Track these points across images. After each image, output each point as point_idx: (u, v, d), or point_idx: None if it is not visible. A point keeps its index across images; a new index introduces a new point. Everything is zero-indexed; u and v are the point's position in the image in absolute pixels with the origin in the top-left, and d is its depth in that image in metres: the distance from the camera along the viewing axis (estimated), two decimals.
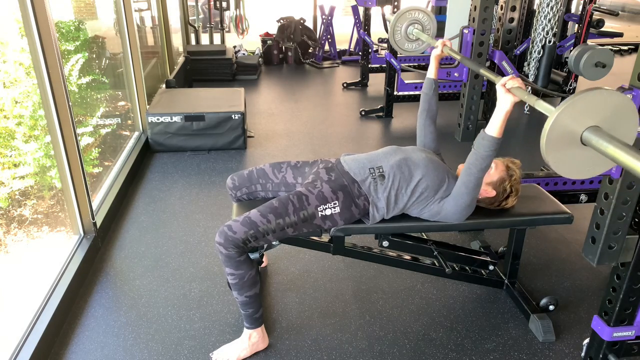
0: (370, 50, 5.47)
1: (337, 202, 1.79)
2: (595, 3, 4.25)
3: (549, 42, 2.74)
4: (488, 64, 2.55)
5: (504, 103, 1.54)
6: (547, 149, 1.24)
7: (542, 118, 4.36)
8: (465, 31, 2.43)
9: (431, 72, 2.07)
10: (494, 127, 1.58)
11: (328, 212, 1.79)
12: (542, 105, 1.37)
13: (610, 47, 5.66)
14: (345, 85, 5.73)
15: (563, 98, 4.84)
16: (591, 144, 1.22)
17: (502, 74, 2.48)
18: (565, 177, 1.31)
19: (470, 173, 1.68)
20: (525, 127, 4.61)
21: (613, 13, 4.82)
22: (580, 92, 1.21)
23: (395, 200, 1.81)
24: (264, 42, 6.82)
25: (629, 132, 1.27)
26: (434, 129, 2.10)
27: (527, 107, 3.60)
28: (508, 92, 1.52)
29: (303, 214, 1.76)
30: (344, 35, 7.36)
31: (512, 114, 4.76)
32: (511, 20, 2.38)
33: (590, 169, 1.32)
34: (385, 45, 5.79)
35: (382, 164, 1.86)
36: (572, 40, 4.71)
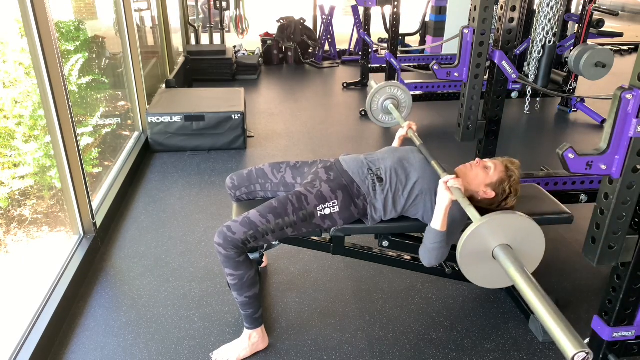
0: (370, 50, 5.47)
1: (336, 201, 1.79)
2: (595, 3, 4.25)
3: (549, 42, 2.74)
4: (488, 63, 2.55)
5: (442, 199, 1.67)
6: (463, 260, 1.44)
7: (542, 118, 4.38)
8: (465, 31, 2.43)
9: (394, 145, 2.19)
10: (437, 221, 1.69)
11: (327, 211, 1.79)
12: (471, 212, 1.53)
13: (610, 47, 5.66)
14: (345, 85, 5.73)
15: (563, 98, 4.85)
16: (498, 259, 1.40)
17: (502, 74, 2.48)
18: (476, 284, 1.56)
19: (427, 257, 1.78)
20: (525, 127, 4.61)
21: (613, 13, 4.82)
22: (499, 213, 1.44)
23: (393, 203, 1.81)
24: (264, 42, 6.82)
25: (536, 251, 1.48)
26: None
27: (527, 107, 3.60)
28: (447, 189, 1.64)
29: (302, 214, 1.76)
30: (344, 35, 7.36)
31: (512, 114, 4.74)
32: (511, 20, 2.37)
33: (499, 279, 1.51)
34: (385, 45, 5.79)
35: (380, 165, 1.86)
36: (572, 40, 4.71)
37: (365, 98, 5.38)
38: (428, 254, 1.75)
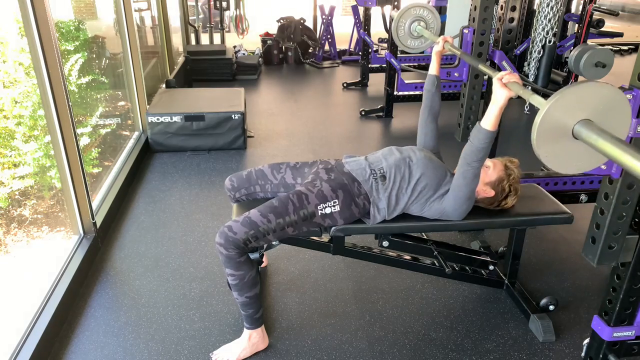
0: (370, 50, 5.47)
1: (337, 200, 1.79)
2: (595, 3, 4.25)
3: (549, 42, 2.74)
4: (488, 63, 2.55)
5: (499, 97, 1.54)
6: (538, 141, 1.23)
7: None
8: (465, 31, 2.43)
9: (433, 69, 2.08)
10: (489, 120, 1.58)
11: (328, 210, 1.79)
12: (535, 100, 1.37)
13: (610, 47, 5.66)
14: (345, 85, 5.73)
15: None
16: (582, 137, 1.20)
17: None
18: (556, 171, 1.31)
19: (467, 163, 1.69)
20: (525, 127, 4.60)
21: (613, 13, 4.82)
22: (572, 84, 1.20)
23: (397, 200, 1.82)
24: (264, 42, 6.81)
25: (622, 126, 1.26)
26: (435, 127, 2.11)
27: (527, 107, 3.59)
28: (504, 86, 1.52)
29: (303, 213, 1.76)
30: (344, 35, 7.36)
31: (512, 114, 4.75)
32: (511, 20, 2.37)
33: (581, 163, 1.30)
34: (385, 45, 5.79)
35: (382, 164, 1.86)
36: (572, 40, 4.71)
37: (365, 98, 5.39)
38: (475, 153, 1.65)
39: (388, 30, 4.94)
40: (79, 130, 2.60)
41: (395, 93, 4.57)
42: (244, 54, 6.67)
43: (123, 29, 3.54)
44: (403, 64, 4.57)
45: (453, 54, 2.00)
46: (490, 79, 2.56)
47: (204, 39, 7.43)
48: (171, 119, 3.64)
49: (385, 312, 2.10)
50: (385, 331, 1.99)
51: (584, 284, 2.29)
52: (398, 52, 4.53)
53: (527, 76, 2.89)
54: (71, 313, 2.05)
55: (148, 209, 2.91)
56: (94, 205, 2.54)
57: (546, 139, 1.23)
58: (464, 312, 2.11)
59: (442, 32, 6.70)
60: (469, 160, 1.68)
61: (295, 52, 6.81)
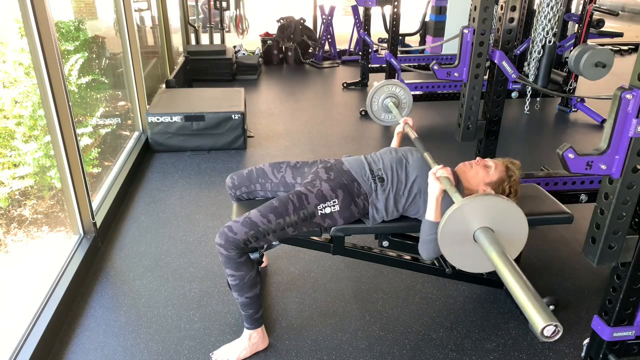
0: (370, 50, 5.47)
1: (336, 200, 1.79)
2: (595, 3, 4.25)
3: (549, 42, 2.74)
4: (488, 63, 2.55)
5: (433, 189, 1.69)
6: (442, 241, 1.43)
7: (542, 118, 4.38)
8: (465, 31, 2.43)
9: (393, 144, 2.24)
10: (430, 211, 1.72)
11: (328, 210, 1.79)
12: (456, 197, 1.53)
13: (610, 47, 5.65)
14: (345, 85, 5.73)
15: (563, 98, 4.85)
16: (478, 242, 1.38)
17: (502, 74, 2.48)
18: (459, 267, 1.54)
19: (423, 251, 1.78)
20: (525, 127, 4.61)
21: (613, 13, 4.82)
22: (474, 195, 1.42)
23: (395, 202, 1.82)
24: (264, 42, 6.81)
25: (518, 232, 1.46)
26: None
27: (527, 107, 3.60)
28: (437, 179, 1.66)
29: (303, 213, 1.76)
30: (344, 35, 7.36)
31: (512, 114, 4.74)
32: (511, 20, 2.37)
33: (478, 264, 1.50)
34: (385, 45, 5.79)
35: (380, 165, 1.87)
36: (572, 40, 4.71)
37: (366, 98, 5.40)
38: (426, 246, 1.76)
39: (388, 30, 4.94)
40: (79, 130, 2.60)
41: None
42: (244, 54, 6.67)
43: (123, 29, 3.54)
44: (403, 64, 4.57)
45: (409, 136, 2.20)
46: (490, 80, 2.57)
47: (204, 39, 7.43)
48: (171, 119, 3.64)
49: (385, 312, 2.10)
50: (385, 331, 1.99)
51: (584, 284, 2.29)
52: (398, 52, 4.53)
53: (527, 76, 2.90)
54: (71, 313, 2.05)
55: (148, 209, 2.91)
56: (94, 205, 2.54)
57: (451, 239, 1.43)
58: (464, 312, 2.11)
59: (441, 33, 6.72)
60: (423, 251, 1.79)
61: (295, 52, 6.81)
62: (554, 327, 1.11)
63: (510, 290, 1.23)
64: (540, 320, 1.11)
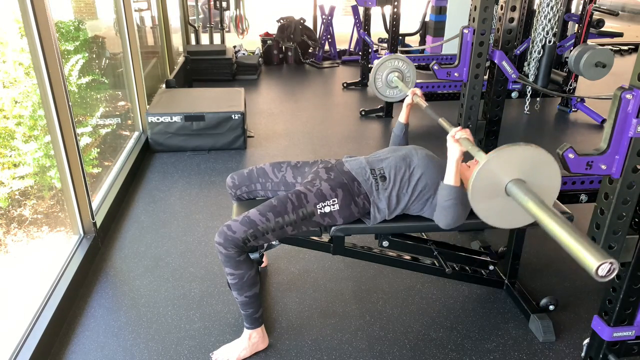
0: (370, 50, 5.47)
1: (336, 199, 1.79)
2: (595, 3, 4.25)
3: (549, 42, 2.74)
4: (488, 63, 2.55)
5: (452, 152, 1.64)
6: (474, 197, 1.34)
7: (542, 118, 4.37)
8: (465, 31, 2.43)
9: (402, 117, 2.19)
10: (449, 176, 1.67)
11: (327, 209, 1.79)
12: (480, 156, 1.46)
13: (610, 47, 5.65)
14: (345, 85, 5.73)
15: (563, 98, 4.85)
16: (512, 195, 1.31)
17: (502, 74, 2.48)
18: (493, 225, 1.45)
19: (441, 217, 1.73)
20: (525, 127, 4.61)
21: (613, 13, 4.82)
22: (505, 146, 1.32)
23: (397, 200, 1.82)
24: (264, 42, 6.81)
25: (551, 184, 1.37)
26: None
27: (527, 107, 3.60)
28: (456, 142, 1.62)
29: (302, 212, 1.76)
30: (344, 35, 7.36)
31: (513, 114, 4.73)
32: (511, 20, 2.37)
33: (513, 219, 1.43)
34: (385, 45, 5.79)
35: (382, 164, 1.86)
36: (572, 40, 4.70)
37: (365, 98, 5.40)
38: (444, 212, 1.71)
39: (388, 30, 4.94)
40: (79, 130, 2.60)
41: None
42: (244, 54, 6.67)
43: (123, 29, 3.54)
44: None
45: (419, 106, 2.16)
46: (490, 80, 2.57)
47: (204, 39, 7.43)
48: (171, 119, 3.64)
49: (385, 312, 2.10)
50: (385, 331, 1.99)
51: (584, 284, 2.29)
52: (398, 52, 4.53)
53: (527, 76, 2.89)
54: (71, 313, 2.05)
55: (148, 209, 2.91)
56: (94, 205, 2.54)
57: (482, 195, 1.34)
58: (464, 312, 2.11)
59: (441, 33, 6.72)
60: (442, 216, 1.73)
61: (295, 52, 6.81)
62: (609, 265, 1.04)
63: (555, 237, 1.15)
64: (593, 260, 1.04)
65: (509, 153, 1.31)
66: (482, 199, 1.35)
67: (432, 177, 1.82)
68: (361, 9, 5.53)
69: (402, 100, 2.30)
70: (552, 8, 2.68)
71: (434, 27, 6.79)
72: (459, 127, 1.66)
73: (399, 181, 1.81)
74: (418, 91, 2.19)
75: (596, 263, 1.03)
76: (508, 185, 1.32)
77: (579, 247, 1.08)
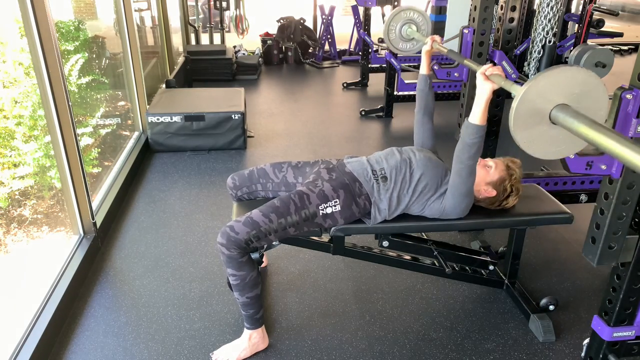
0: (370, 50, 5.47)
1: (337, 200, 1.79)
2: (595, 3, 4.25)
3: (549, 42, 2.74)
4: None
5: (483, 90, 1.57)
6: (516, 126, 1.22)
7: None
8: (465, 31, 2.43)
9: (423, 69, 2.10)
10: (477, 114, 1.61)
11: (329, 210, 1.79)
12: (516, 89, 1.34)
13: (610, 47, 5.65)
14: (345, 85, 5.73)
15: None
16: (559, 121, 1.20)
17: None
18: (536, 156, 1.30)
19: (460, 161, 1.70)
20: None
21: (613, 13, 4.81)
22: (546, 70, 1.20)
23: (398, 201, 1.82)
24: (264, 42, 6.81)
25: (599, 109, 1.25)
26: (431, 126, 2.11)
27: None
28: (487, 79, 1.55)
29: (304, 213, 1.76)
30: (344, 35, 7.36)
31: None
32: (511, 20, 2.37)
33: (561, 148, 1.30)
34: (385, 45, 5.79)
35: (383, 165, 1.87)
36: (572, 40, 4.70)
37: (365, 98, 5.40)
38: (467, 149, 1.65)
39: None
40: (79, 130, 2.60)
41: (395, 93, 4.57)
42: (244, 54, 6.67)
43: (123, 29, 3.54)
44: (403, 64, 4.57)
45: (440, 52, 2.04)
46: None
47: (204, 39, 7.43)
48: (171, 119, 3.64)
49: (385, 312, 2.10)
50: (385, 331, 1.99)
51: (584, 284, 2.29)
52: (397, 54, 4.52)
53: (527, 76, 2.89)
54: (71, 313, 2.05)
55: (148, 209, 2.91)
56: (94, 205, 2.54)
57: (524, 124, 1.23)
58: (464, 312, 2.11)
59: (441, 33, 6.71)
60: (462, 158, 1.69)
61: (295, 52, 6.81)
62: None
63: (620, 157, 1.03)
64: None
65: (550, 77, 1.20)
66: (525, 127, 1.23)
67: (432, 177, 1.82)
68: (361, 9, 5.53)
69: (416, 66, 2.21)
70: (552, 8, 2.68)
71: (434, 27, 6.78)
72: (489, 64, 1.59)
73: (399, 182, 1.82)
74: (437, 38, 2.07)
75: None
76: (553, 111, 1.21)
77: None
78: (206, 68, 5.82)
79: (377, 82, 5.70)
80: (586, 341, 1.76)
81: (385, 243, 1.95)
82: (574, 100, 1.21)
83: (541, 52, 2.78)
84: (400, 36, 2.41)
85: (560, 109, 1.20)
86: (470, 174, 1.71)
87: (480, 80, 1.58)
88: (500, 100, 2.53)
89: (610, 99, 1.26)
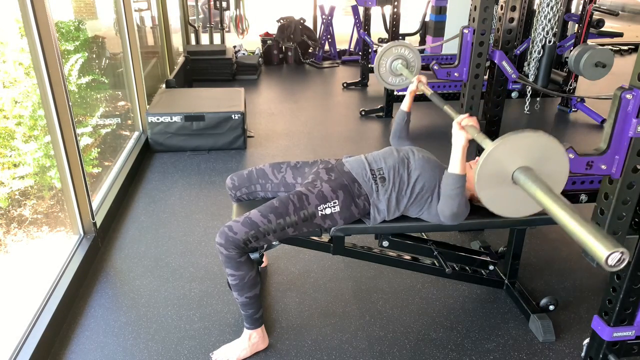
0: (370, 50, 5.47)
1: (337, 201, 1.79)
2: (595, 3, 4.25)
3: (549, 42, 2.74)
4: (488, 64, 2.55)
5: (459, 139, 1.59)
6: (480, 184, 1.30)
7: (542, 118, 4.37)
8: (465, 31, 2.43)
9: (405, 105, 2.14)
10: (455, 164, 1.63)
11: (328, 211, 1.79)
12: (487, 144, 1.42)
13: (610, 47, 5.65)
14: (345, 85, 5.73)
15: (563, 98, 4.85)
16: (519, 183, 1.27)
17: (502, 74, 2.48)
18: (496, 213, 1.39)
19: (446, 207, 1.70)
20: (525, 127, 4.58)
21: (613, 13, 4.82)
22: (512, 133, 1.27)
23: (397, 202, 1.82)
24: (264, 42, 6.82)
25: (559, 174, 1.33)
26: (408, 142, 2.13)
27: (527, 107, 3.60)
28: (462, 129, 1.57)
29: (303, 214, 1.76)
30: (344, 35, 7.36)
31: (513, 114, 4.74)
32: (511, 20, 2.38)
33: (519, 208, 1.37)
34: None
35: (382, 165, 1.86)
36: (572, 40, 4.70)
37: (365, 98, 5.40)
38: (449, 202, 1.67)
39: (388, 30, 4.94)
40: (79, 130, 2.60)
41: (395, 93, 4.57)
42: (244, 54, 6.67)
43: (123, 29, 3.54)
44: None
45: (424, 94, 2.09)
46: (490, 80, 2.57)
47: (204, 39, 7.44)
48: (171, 119, 3.64)
49: (385, 312, 2.10)
50: (385, 331, 1.99)
51: (584, 284, 2.30)
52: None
53: (527, 76, 2.90)
54: (71, 313, 2.05)
55: (148, 209, 2.91)
56: (94, 205, 2.54)
57: (488, 182, 1.30)
58: (464, 312, 2.11)
59: (441, 33, 6.71)
60: (446, 207, 1.70)
61: (295, 52, 6.81)
62: (620, 254, 1.00)
63: (564, 226, 1.12)
64: (603, 249, 1.01)
65: (515, 140, 1.27)
66: (488, 186, 1.31)
67: (429, 178, 1.82)
68: (361, 9, 5.53)
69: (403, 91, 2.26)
70: (552, 8, 2.68)
71: (434, 27, 6.78)
72: (465, 114, 1.61)
73: (397, 182, 1.81)
74: (423, 78, 2.11)
75: (606, 252, 1.00)
76: (515, 173, 1.28)
77: (589, 236, 1.03)
78: (206, 68, 5.82)
79: (377, 82, 5.65)
80: (586, 341, 1.76)
81: (385, 243, 1.95)
82: (537, 163, 1.29)
83: (541, 52, 2.78)
84: (390, 70, 2.47)
85: (522, 171, 1.27)
86: (459, 205, 1.70)
87: (455, 129, 1.60)
88: (500, 100, 2.53)
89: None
